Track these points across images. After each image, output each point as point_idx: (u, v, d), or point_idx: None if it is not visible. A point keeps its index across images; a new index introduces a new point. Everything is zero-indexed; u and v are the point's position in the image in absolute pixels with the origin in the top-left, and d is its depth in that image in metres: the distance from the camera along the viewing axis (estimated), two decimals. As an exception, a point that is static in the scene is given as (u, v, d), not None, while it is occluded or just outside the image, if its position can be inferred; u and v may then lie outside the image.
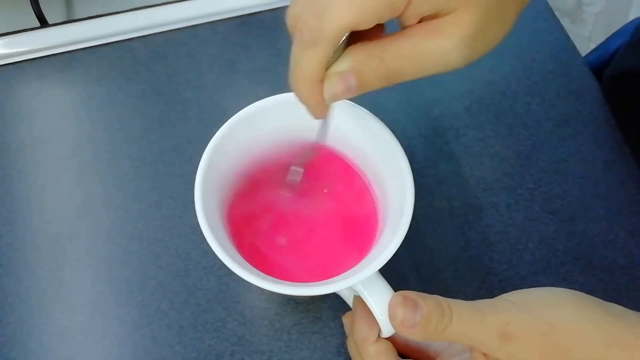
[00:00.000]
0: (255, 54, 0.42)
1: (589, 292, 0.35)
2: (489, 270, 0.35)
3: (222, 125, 0.28)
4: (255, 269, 0.26)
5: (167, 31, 0.43)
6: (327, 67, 0.22)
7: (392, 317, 0.24)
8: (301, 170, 0.30)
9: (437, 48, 0.22)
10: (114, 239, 0.36)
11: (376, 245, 0.28)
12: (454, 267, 0.35)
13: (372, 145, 0.29)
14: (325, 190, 0.32)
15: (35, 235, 0.36)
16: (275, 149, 0.32)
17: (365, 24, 0.21)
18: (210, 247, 0.25)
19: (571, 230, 0.37)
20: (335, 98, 0.23)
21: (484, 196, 0.38)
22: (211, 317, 0.34)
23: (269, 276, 0.25)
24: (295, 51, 0.22)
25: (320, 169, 0.32)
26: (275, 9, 0.44)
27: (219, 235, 0.26)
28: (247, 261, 0.26)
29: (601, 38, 0.56)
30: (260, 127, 0.30)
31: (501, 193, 0.38)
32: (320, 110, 0.24)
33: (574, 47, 0.43)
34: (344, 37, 0.22)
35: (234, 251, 0.26)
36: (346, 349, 0.33)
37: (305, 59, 0.22)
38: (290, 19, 0.22)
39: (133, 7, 0.43)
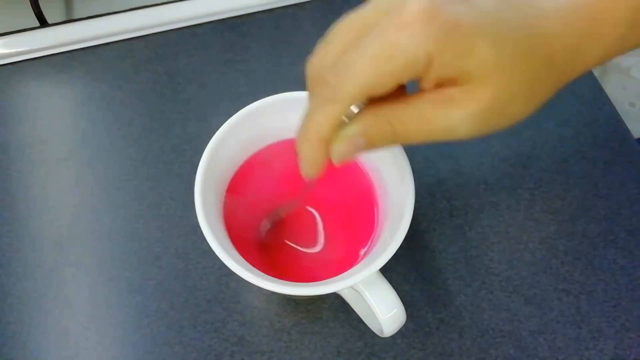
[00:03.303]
0: (255, 54, 0.42)
1: (589, 292, 0.35)
2: (489, 270, 0.35)
3: (222, 125, 0.28)
4: (255, 269, 0.26)
5: (167, 31, 0.43)
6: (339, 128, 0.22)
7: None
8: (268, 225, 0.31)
9: (446, 118, 0.21)
10: (114, 239, 0.36)
11: (376, 245, 0.28)
12: (454, 267, 0.35)
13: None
14: (326, 190, 0.32)
15: (35, 235, 0.36)
16: (275, 148, 0.32)
17: (384, 86, 0.20)
18: (210, 247, 0.25)
19: (571, 230, 0.37)
20: (342, 157, 0.22)
21: (484, 196, 0.38)
22: (211, 317, 0.34)
23: (269, 276, 0.25)
24: (311, 106, 0.22)
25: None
26: (275, 9, 0.44)
27: (219, 235, 0.26)
28: (247, 261, 0.26)
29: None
30: (260, 126, 0.30)
31: (501, 193, 0.38)
32: (316, 168, 0.23)
33: (574, 47, 0.43)
34: (363, 102, 0.21)
35: (234, 251, 0.26)
36: (346, 348, 0.33)
37: (319, 115, 0.21)
38: (311, 71, 0.22)
39: (133, 7, 0.43)
